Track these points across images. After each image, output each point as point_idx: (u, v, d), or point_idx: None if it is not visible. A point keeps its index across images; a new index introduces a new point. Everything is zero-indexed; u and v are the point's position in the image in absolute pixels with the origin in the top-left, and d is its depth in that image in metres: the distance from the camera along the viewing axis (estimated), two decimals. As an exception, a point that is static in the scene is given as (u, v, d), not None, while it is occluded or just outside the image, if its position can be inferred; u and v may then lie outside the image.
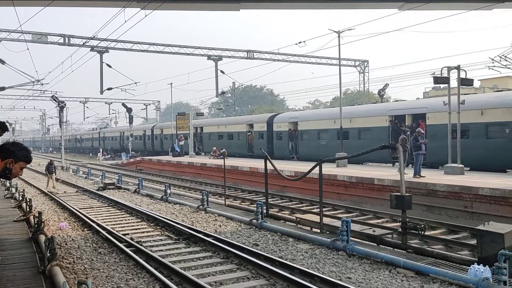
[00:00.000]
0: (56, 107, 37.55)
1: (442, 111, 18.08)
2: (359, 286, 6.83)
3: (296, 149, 28.24)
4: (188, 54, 36.77)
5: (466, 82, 16.97)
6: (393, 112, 22.31)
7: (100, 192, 19.50)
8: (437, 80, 17.32)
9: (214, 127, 38.20)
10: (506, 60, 27.38)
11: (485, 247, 7.46)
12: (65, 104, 36.26)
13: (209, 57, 37.22)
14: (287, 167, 21.16)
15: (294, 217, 12.75)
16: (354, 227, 9.97)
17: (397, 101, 29.87)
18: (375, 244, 9.56)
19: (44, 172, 25.06)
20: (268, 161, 13.38)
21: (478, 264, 6.89)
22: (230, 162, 26.43)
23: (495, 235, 7.32)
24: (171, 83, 44.33)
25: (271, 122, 30.76)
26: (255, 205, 12.47)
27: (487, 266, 6.73)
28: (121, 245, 9.50)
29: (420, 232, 9.42)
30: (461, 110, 16.74)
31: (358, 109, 25.92)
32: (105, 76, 33.80)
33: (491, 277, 6.47)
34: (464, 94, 19.32)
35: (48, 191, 20.02)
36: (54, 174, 22.68)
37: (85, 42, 32.29)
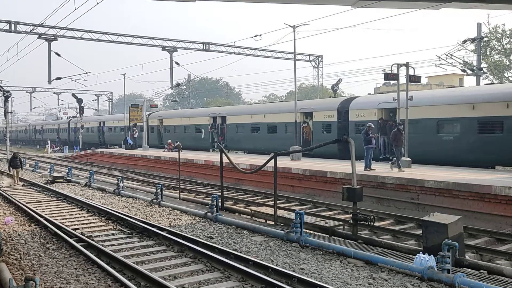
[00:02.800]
0: (0, 96, 35.67)
1: None
2: (311, 276, 6.98)
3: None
4: (142, 44, 36.07)
5: (414, 79, 17.75)
6: None
7: (48, 186, 18.78)
8: (387, 76, 18.03)
9: (246, 117, 29.60)
10: (452, 58, 28.77)
11: (430, 237, 7.81)
12: (10, 94, 34.46)
13: (163, 48, 36.67)
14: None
15: (249, 210, 12.83)
16: (307, 219, 10.18)
17: None
18: (327, 236, 9.79)
19: (8, 167, 21.14)
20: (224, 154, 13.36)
21: (424, 253, 7.22)
22: (187, 155, 26.19)
23: (440, 226, 7.68)
24: (124, 74, 43.27)
25: (345, 109, 22.69)
26: (210, 198, 12.44)
27: (432, 255, 7.05)
28: (70, 240, 9.22)
29: (369, 223, 9.77)
30: None
31: (483, 90, 18.58)
32: (54, 65, 32.68)
33: (436, 265, 6.80)
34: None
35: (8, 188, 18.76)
36: (20, 168, 20.44)
37: (33, 29, 30.98)
